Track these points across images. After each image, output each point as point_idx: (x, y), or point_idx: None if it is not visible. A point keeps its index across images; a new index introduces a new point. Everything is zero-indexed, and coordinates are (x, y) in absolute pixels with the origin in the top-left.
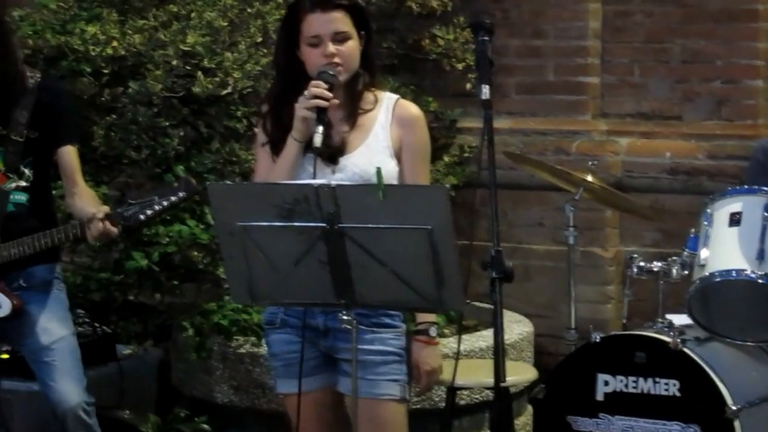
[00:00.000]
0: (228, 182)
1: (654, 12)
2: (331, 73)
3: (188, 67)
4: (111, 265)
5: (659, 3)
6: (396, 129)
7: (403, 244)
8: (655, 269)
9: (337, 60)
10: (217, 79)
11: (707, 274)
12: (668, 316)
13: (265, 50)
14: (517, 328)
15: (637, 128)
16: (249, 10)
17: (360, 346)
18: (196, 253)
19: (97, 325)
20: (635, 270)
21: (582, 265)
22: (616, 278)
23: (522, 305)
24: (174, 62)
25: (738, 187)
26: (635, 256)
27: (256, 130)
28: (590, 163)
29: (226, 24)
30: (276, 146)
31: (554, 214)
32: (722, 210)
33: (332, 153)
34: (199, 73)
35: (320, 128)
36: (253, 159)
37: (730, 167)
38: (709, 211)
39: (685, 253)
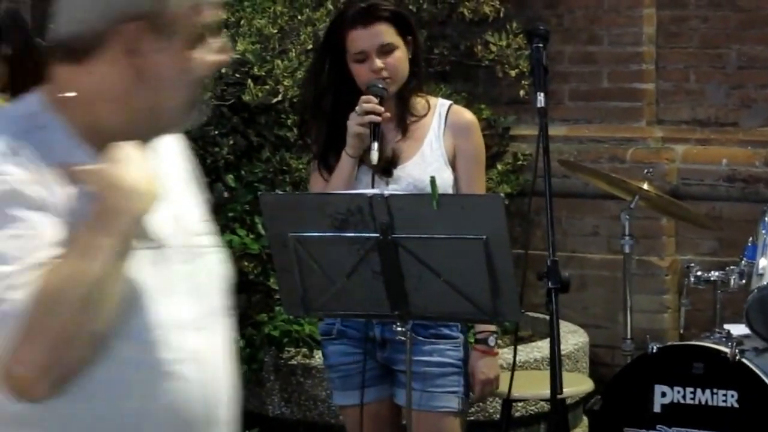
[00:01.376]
0: (280, 192)
1: (709, 17)
2: (380, 86)
3: (238, 75)
4: None
5: (715, 8)
6: (450, 136)
7: (458, 254)
8: (713, 278)
9: (385, 74)
10: (268, 87)
11: (766, 283)
12: (726, 327)
13: None
14: (572, 338)
15: (693, 135)
16: (299, 17)
17: (418, 358)
18: (246, 264)
19: None
20: (692, 279)
21: (638, 275)
22: (672, 288)
23: (577, 315)
24: (224, 70)
25: None
26: (692, 265)
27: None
28: (646, 170)
29: (276, 31)
30: (324, 161)
31: (609, 222)
32: None
33: (386, 165)
34: (249, 80)
35: (376, 144)
36: (303, 168)
37: None
38: (767, 219)
39: (743, 262)
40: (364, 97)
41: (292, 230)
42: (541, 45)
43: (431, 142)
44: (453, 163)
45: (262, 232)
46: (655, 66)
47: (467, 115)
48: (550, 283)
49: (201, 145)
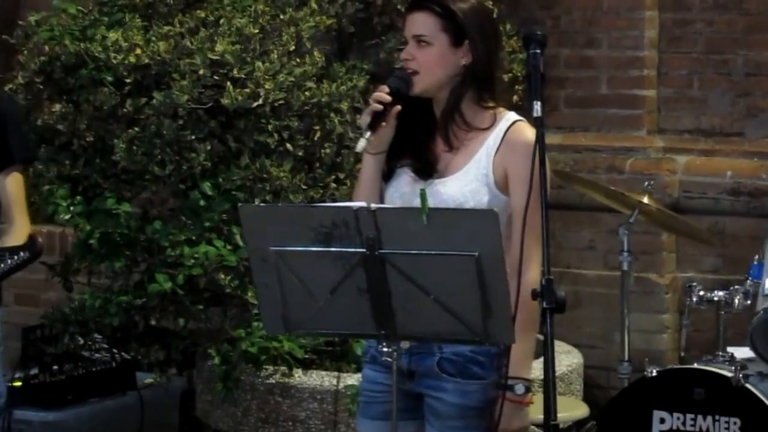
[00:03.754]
0: (261, 203)
1: (715, 20)
2: (399, 76)
3: (216, 77)
4: (132, 287)
5: (721, 11)
6: (503, 155)
7: (449, 271)
8: (716, 298)
9: (411, 65)
10: (247, 90)
11: None
12: (729, 349)
13: (298, 59)
14: (566, 359)
15: (696, 145)
16: (282, 17)
17: (439, 395)
18: (223, 276)
19: (116, 351)
20: (694, 298)
21: (636, 292)
22: (672, 307)
23: (571, 334)
24: (201, 71)
25: None
26: (694, 284)
27: None
28: (646, 182)
29: (257, 31)
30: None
31: (606, 237)
32: None
33: (422, 169)
34: (228, 83)
35: (368, 134)
36: (284, 176)
37: None
38: None
39: (748, 281)
40: (378, 87)
41: (273, 244)
42: (538, 51)
43: (480, 159)
44: (505, 186)
45: (240, 242)
46: (656, 72)
47: (528, 134)
48: (544, 303)
49: (176, 151)
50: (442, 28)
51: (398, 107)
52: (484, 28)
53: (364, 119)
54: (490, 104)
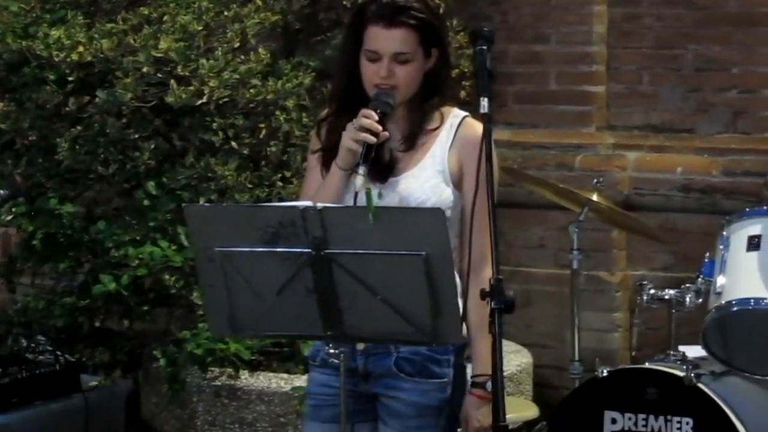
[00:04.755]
0: (206, 203)
1: (665, 15)
2: (385, 100)
3: (160, 75)
4: (76, 288)
5: (671, 5)
6: (457, 152)
7: (396, 271)
8: (667, 296)
9: (391, 82)
10: (192, 87)
11: (724, 302)
12: (681, 348)
13: (243, 57)
14: (515, 358)
15: (646, 142)
16: (226, 13)
17: (396, 395)
18: (168, 277)
19: (60, 353)
20: (645, 297)
21: (587, 290)
22: (624, 305)
23: (520, 333)
24: (145, 69)
25: (757, 208)
26: (645, 282)
27: (311, 133)
28: (595, 180)
29: (201, 28)
30: (327, 157)
31: (556, 234)
32: (740, 233)
33: (380, 170)
34: (173, 81)
35: (362, 169)
36: (230, 175)
37: (748, 184)
38: (725, 233)
39: (700, 279)
40: (364, 111)
41: (219, 244)
42: (485, 47)
43: (434, 155)
44: (459, 181)
45: (186, 243)
46: (606, 67)
47: (479, 128)
48: (493, 303)
49: (120, 150)
50: (420, 41)
51: (386, 134)
52: (445, 36)
53: (350, 144)
54: (437, 106)
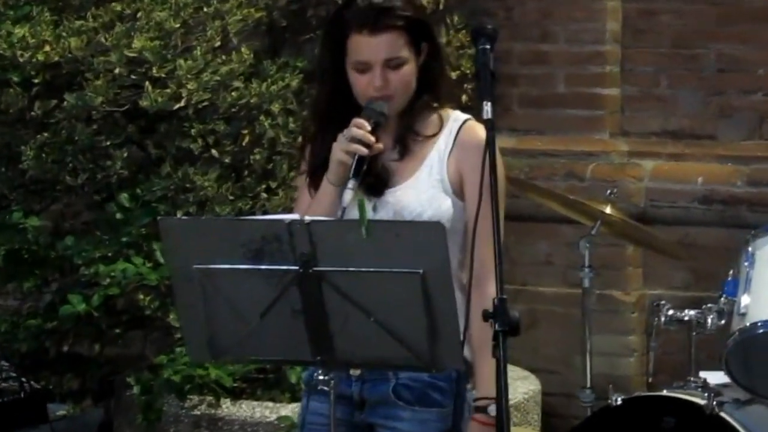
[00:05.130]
0: (184, 216)
1: (684, 11)
2: (378, 110)
3: (134, 77)
4: (42, 310)
5: (690, 1)
6: (457, 158)
7: (391, 290)
8: (687, 318)
9: (386, 92)
10: (169, 90)
11: (748, 324)
12: (702, 374)
13: (224, 56)
14: (521, 386)
15: (663, 149)
16: (206, 10)
17: (395, 425)
18: (142, 297)
19: (25, 380)
20: (663, 318)
21: (599, 311)
22: (639, 327)
23: (527, 358)
24: (117, 71)
25: None
26: (662, 302)
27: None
28: (608, 190)
29: (178, 25)
30: (314, 178)
31: (566, 250)
32: (766, 248)
33: (374, 183)
34: (147, 83)
35: (353, 182)
36: (209, 186)
37: None
38: (750, 249)
39: (722, 299)
40: (356, 121)
41: (198, 261)
42: (488, 46)
43: (432, 164)
44: (460, 190)
45: (162, 259)
46: (619, 68)
47: (481, 133)
48: (497, 325)
49: (90, 158)
50: (409, 40)
51: (380, 146)
52: (433, 29)
53: (341, 157)
54: (434, 105)
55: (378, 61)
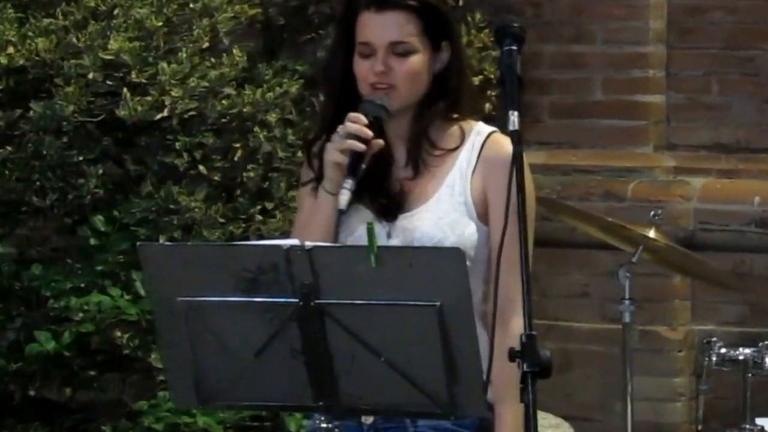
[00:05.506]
0: (167, 242)
1: (737, 7)
2: (378, 102)
3: (110, 83)
4: (6, 348)
5: None
6: (481, 176)
7: (405, 326)
8: (741, 357)
9: (388, 81)
10: (150, 98)
11: None
12: (759, 421)
13: (213, 59)
14: None
15: (714, 165)
16: (192, 6)
17: None
18: (120, 334)
19: None
20: (714, 358)
21: (641, 350)
22: (687, 368)
23: (560, 404)
24: (91, 75)
25: None
26: (713, 339)
27: (302, 166)
28: (652, 212)
29: (161, 24)
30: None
31: (603, 281)
32: None
33: (387, 206)
34: (126, 90)
35: (349, 182)
36: (197, 207)
37: None
38: None
39: None
40: (351, 115)
41: (183, 293)
42: (514, 47)
43: (453, 183)
44: (484, 214)
45: (142, 291)
46: (664, 72)
47: (510, 147)
48: (525, 366)
49: (60, 176)
50: (423, 29)
51: (380, 142)
52: (455, 26)
53: (335, 157)
54: (455, 116)
55: (382, 43)
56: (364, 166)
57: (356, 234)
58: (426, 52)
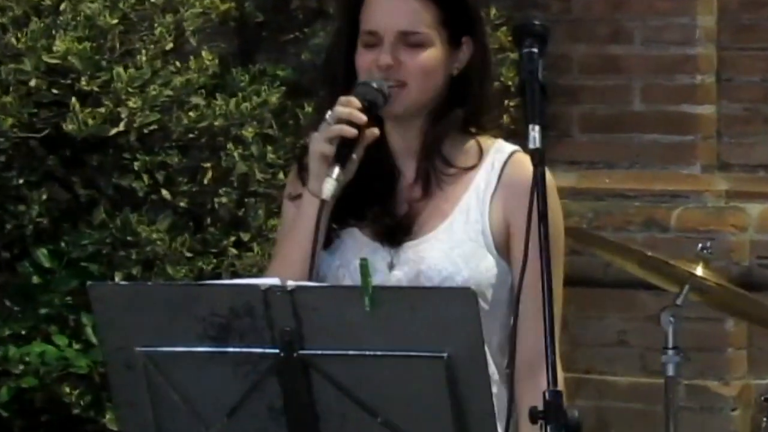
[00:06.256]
0: (123, 282)
1: None
2: (375, 86)
3: (56, 91)
4: None
5: None
6: (502, 202)
7: (406, 381)
8: None
9: (395, 76)
10: (103, 110)
11: None
12: None
13: (178, 63)
14: None
15: None
16: (153, 0)
17: None
18: (68, 390)
19: None
20: None
21: (689, 409)
22: (742, 428)
23: None
24: (33, 83)
25: None
26: None
27: (291, 171)
28: (701, 245)
29: (116, 22)
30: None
31: (643, 326)
32: None
33: (392, 229)
34: (74, 100)
35: (336, 169)
36: (159, 239)
37: None
38: None
39: None
40: (342, 98)
41: (142, 341)
42: (535, 49)
43: (468, 208)
44: (505, 246)
45: (94, 339)
46: (715, 78)
47: (544, 174)
48: (549, 429)
49: None
50: (441, 20)
51: (376, 131)
52: (483, 22)
53: (322, 148)
54: (473, 130)
55: (391, 31)
56: (354, 156)
57: (352, 266)
58: (442, 48)
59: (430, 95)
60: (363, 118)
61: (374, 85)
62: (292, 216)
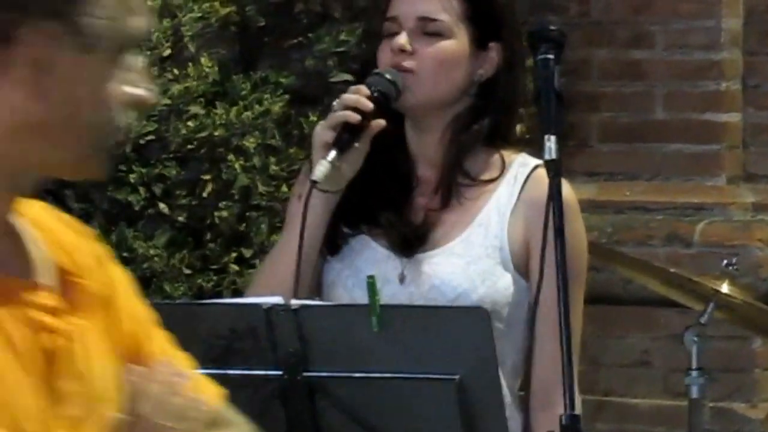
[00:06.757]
0: None
1: None
2: (388, 77)
3: None
4: None
5: None
6: (523, 219)
7: (416, 405)
8: None
9: (407, 64)
10: None
11: None
12: None
13: (176, 71)
14: None
15: None
16: (150, 3)
17: None
18: None
19: None
20: None
21: None
22: None
23: None
24: None
25: None
26: None
27: (302, 170)
28: (725, 261)
29: None
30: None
31: (666, 346)
32: None
33: (406, 237)
34: None
35: (333, 153)
36: (156, 255)
37: None
38: None
39: None
40: (352, 87)
41: None
42: (551, 56)
43: (488, 223)
44: (524, 264)
45: None
46: (741, 85)
47: (560, 188)
48: None
49: None
50: (465, 14)
51: (382, 121)
52: (518, 26)
53: (324, 135)
54: (497, 143)
55: (410, 16)
56: (357, 145)
57: (362, 274)
58: (464, 43)
59: (445, 91)
60: (369, 105)
61: (387, 76)
62: (294, 212)
